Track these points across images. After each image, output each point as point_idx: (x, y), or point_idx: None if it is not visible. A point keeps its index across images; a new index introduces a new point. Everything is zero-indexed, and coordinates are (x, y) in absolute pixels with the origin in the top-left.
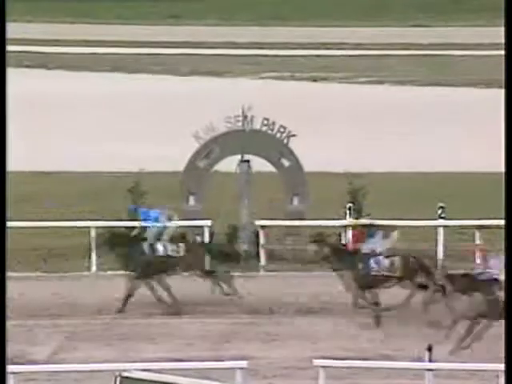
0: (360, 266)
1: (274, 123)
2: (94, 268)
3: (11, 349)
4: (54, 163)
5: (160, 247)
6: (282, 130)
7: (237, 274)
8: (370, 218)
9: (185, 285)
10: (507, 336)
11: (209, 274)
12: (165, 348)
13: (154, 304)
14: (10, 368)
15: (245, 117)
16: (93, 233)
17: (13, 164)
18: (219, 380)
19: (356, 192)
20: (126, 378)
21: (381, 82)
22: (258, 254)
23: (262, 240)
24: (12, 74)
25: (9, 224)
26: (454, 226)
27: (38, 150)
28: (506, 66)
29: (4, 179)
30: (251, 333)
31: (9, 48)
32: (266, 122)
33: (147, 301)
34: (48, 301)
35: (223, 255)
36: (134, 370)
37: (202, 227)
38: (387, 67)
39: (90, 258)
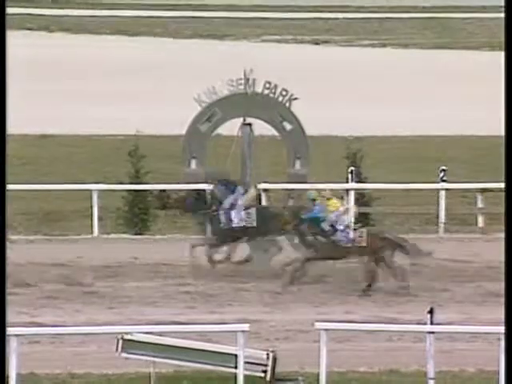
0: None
1: (276, 86)
2: (96, 231)
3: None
4: (54, 126)
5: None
6: (284, 93)
7: None
8: (370, 182)
9: None
10: (507, 299)
11: None
12: None
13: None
14: (13, 330)
15: (247, 80)
16: (95, 196)
17: (15, 127)
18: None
19: (354, 155)
20: (128, 340)
21: (383, 45)
22: None
23: (264, 203)
24: (15, 36)
25: (10, 187)
26: (456, 190)
27: (40, 113)
28: (505, 28)
29: (4, 145)
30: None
31: (11, 10)
32: (268, 85)
33: None
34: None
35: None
36: (136, 332)
37: (203, 191)
38: (390, 30)
39: (92, 221)
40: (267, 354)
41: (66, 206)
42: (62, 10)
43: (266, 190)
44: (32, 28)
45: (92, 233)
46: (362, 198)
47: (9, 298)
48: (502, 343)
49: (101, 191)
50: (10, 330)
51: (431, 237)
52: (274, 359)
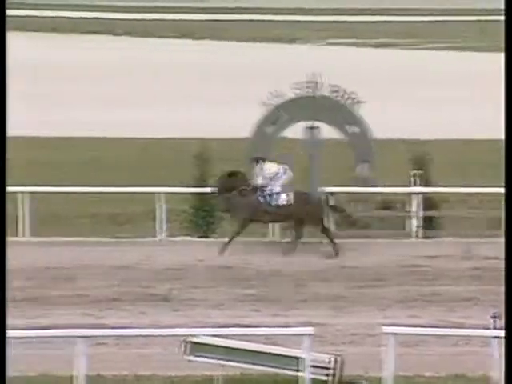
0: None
1: (342, 89)
2: (163, 234)
3: None
4: (115, 128)
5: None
6: (350, 96)
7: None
8: (438, 186)
9: None
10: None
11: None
12: None
13: None
14: (78, 332)
15: (313, 83)
16: (161, 199)
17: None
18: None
19: (419, 159)
20: (194, 343)
21: (445, 49)
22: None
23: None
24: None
25: (74, 189)
26: None
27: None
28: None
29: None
30: None
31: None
32: (334, 88)
33: None
34: None
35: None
36: (202, 335)
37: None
38: (450, 33)
39: (155, 224)
40: (334, 358)
41: (132, 209)
42: (127, 13)
43: (332, 194)
44: (98, 32)
45: (156, 236)
46: (427, 202)
47: (72, 300)
48: None
49: (165, 194)
50: (75, 332)
51: (494, 241)
52: (340, 363)
